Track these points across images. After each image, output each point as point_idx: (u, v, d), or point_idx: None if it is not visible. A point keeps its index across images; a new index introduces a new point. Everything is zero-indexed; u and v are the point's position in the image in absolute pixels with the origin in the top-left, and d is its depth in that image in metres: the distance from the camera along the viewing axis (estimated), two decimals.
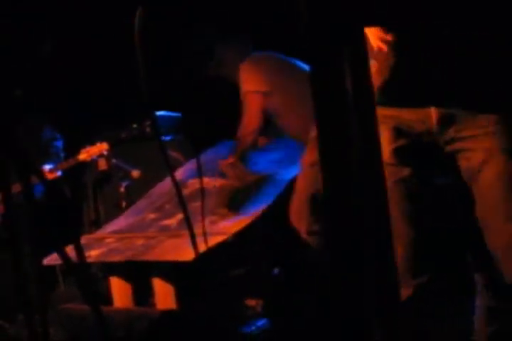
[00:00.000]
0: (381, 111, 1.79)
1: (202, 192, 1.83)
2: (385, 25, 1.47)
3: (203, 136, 3.84)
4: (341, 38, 0.86)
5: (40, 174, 1.45)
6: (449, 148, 1.78)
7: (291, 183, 3.20)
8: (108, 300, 3.24)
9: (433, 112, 1.75)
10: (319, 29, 0.86)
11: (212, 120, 4.13)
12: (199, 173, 1.89)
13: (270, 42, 3.72)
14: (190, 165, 3.72)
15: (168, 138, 4.15)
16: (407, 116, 1.78)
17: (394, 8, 0.92)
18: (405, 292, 1.81)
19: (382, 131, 1.79)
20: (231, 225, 3.12)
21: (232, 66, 3.49)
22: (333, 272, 0.92)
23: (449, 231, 1.89)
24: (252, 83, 3.40)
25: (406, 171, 1.80)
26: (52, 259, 2.90)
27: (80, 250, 1.09)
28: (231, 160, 3.43)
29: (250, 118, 3.41)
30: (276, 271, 3.47)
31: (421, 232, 1.82)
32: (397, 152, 1.80)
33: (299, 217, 3.04)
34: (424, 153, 1.81)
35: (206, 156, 3.63)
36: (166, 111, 4.09)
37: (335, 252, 0.90)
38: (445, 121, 1.74)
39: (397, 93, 1.77)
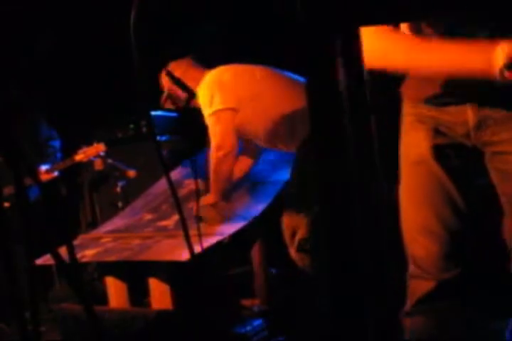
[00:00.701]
0: (421, 111, 1.80)
1: (197, 193, 1.83)
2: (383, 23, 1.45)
3: (199, 136, 3.82)
4: (336, 37, 0.86)
5: (34, 175, 1.44)
6: (486, 150, 1.76)
7: (287, 184, 3.20)
8: (103, 300, 3.24)
9: (470, 114, 1.74)
10: (314, 28, 0.86)
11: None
12: (194, 175, 1.89)
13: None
14: (187, 165, 3.72)
15: (164, 138, 4.15)
16: (447, 117, 1.77)
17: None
18: (427, 284, 1.81)
19: (421, 130, 1.80)
20: (227, 226, 3.12)
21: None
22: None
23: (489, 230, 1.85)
24: (216, 102, 3.04)
25: (443, 170, 1.79)
26: (45, 259, 2.90)
27: (71, 250, 1.09)
28: (210, 200, 3.11)
29: (222, 139, 3.01)
30: (272, 271, 3.47)
31: (456, 231, 1.80)
32: (434, 150, 1.79)
33: (291, 233, 3.03)
34: (463, 154, 1.79)
35: (203, 156, 3.63)
36: (162, 111, 4.09)
37: (334, 264, 0.90)
38: (482, 124, 1.73)
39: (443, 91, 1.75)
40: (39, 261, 2.92)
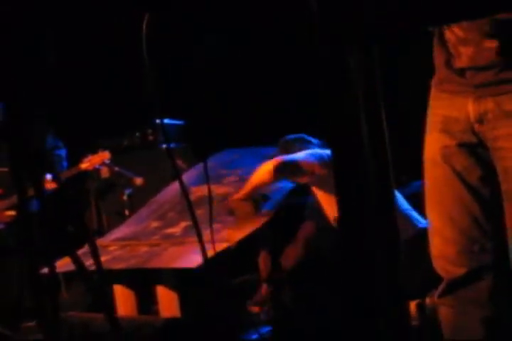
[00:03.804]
0: (435, 110, 1.82)
1: (210, 198, 1.83)
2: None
3: (206, 144, 3.82)
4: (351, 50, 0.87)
5: (41, 184, 1.45)
6: (489, 146, 1.76)
7: (295, 190, 3.21)
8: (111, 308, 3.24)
9: (470, 107, 1.75)
10: (330, 40, 0.87)
11: (215, 127, 4.13)
12: (206, 179, 1.89)
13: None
14: (193, 172, 3.72)
15: (171, 145, 4.16)
16: (454, 114, 1.78)
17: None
18: (457, 270, 1.81)
19: (434, 131, 1.82)
20: (234, 233, 3.12)
21: None
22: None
23: None
24: None
25: (453, 171, 1.80)
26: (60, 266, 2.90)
27: (96, 256, 1.09)
28: (241, 195, 3.17)
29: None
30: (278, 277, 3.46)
31: (469, 232, 1.81)
32: (445, 151, 1.80)
33: None
34: (473, 153, 1.80)
35: (209, 163, 3.62)
36: (169, 119, 4.10)
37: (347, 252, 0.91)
38: (483, 118, 1.73)
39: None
40: (44, 269, 2.91)
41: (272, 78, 4.13)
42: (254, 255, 3.48)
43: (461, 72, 1.77)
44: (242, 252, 3.24)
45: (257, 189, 3.15)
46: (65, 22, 4.27)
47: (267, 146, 3.60)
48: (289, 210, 3.43)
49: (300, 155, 3.11)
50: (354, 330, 0.99)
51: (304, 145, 3.31)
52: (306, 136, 3.38)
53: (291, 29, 2.69)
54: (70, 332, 3.20)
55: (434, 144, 1.83)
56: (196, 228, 1.51)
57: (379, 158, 0.93)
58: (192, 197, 3.52)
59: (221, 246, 2.92)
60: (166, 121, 4.00)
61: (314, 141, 3.37)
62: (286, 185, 3.36)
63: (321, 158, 3.06)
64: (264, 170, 3.07)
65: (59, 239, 1.34)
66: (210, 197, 1.99)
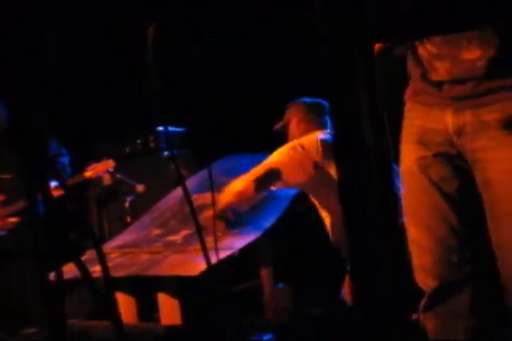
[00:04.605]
0: (411, 121, 1.83)
1: (214, 206, 1.83)
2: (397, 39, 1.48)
3: (207, 151, 3.81)
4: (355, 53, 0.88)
5: (47, 191, 1.45)
6: (468, 158, 1.77)
7: (296, 197, 3.21)
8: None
9: (449, 120, 1.75)
10: (334, 43, 0.87)
11: (216, 133, 4.13)
12: (211, 186, 1.89)
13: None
14: (194, 180, 3.72)
15: (172, 152, 4.16)
16: (430, 125, 1.79)
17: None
18: (433, 283, 1.81)
19: (410, 142, 1.83)
20: (236, 240, 3.12)
21: None
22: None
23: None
24: None
25: (430, 182, 1.80)
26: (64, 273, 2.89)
27: (103, 262, 1.10)
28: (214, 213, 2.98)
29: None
30: (280, 285, 3.46)
31: (446, 242, 1.81)
32: (421, 162, 1.80)
33: None
34: (451, 164, 1.80)
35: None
36: (170, 126, 4.10)
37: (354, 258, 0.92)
38: (461, 130, 1.74)
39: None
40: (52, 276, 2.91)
41: (272, 79, 4.13)
42: (256, 262, 3.47)
43: (439, 84, 1.77)
44: (244, 259, 3.24)
45: (228, 207, 3.13)
46: (65, 22, 4.28)
47: (266, 153, 3.60)
48: (292, 217, 3.43)
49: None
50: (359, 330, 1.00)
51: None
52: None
53: (292, 29, 2.70)
54: (71, 339, 3.19)
55: (410, 155, 1.84)
56: (199, 235, 1.51)
57: (381, 158, 0.94)
58: (193, 205, 3.52)
59: (223, 254, 2.92)
60: (168, 128, 4.00)
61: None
62: (288, 193, 3.37)
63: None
64: (231, 190, 3.06)
65: (63, 245, 1.35)
66: (214, 205, 1.99)
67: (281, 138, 3.35)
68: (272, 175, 3.03)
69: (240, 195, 3.05)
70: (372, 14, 0.94)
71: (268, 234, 3.18)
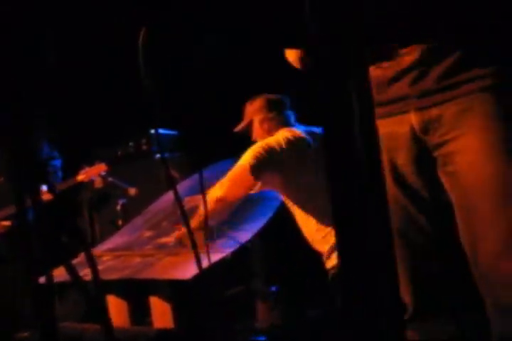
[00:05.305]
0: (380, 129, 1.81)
1: (205, 209, 1.83)
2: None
3: (200, 154, 3.80)
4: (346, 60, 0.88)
5: (37, 195, 1.44)
6: (436, 156, 1.74)
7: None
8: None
9: (414, 119, 1.74)
10: (327, 50, 0.87)
11: (210, 138, 4.12)
12: (201, 189, 1.89)
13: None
14: (188, 183, 3.71)
15: (163, 155, 4.15)
16: (395, 128, 1.77)
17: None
18: (407, 299, 1.81)
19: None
20: (228, 243, 3.11)
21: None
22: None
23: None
24: None
25: (401, 191, 1.79)
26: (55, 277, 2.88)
27: (93, 265, 1.09)
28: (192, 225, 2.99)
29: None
30: (273, 288, 3.46)
31: (422, 250, 1.81)
32: (392, 172, 1.79)
33: None
34: (421, 170, 1.79)
35: (205, 174, 3.61)
36: (162, 129, 4.10)
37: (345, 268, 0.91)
38: (428, 127, 1.73)
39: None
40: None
41: (272, 79, 4.12)
42: (248, 266, 3.47)
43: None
44: (236, 263, 3.24)
45: (207, 218, 3.05)
46: (65, 22, 4.26)
47: None
48: (283, 219, 3.42)
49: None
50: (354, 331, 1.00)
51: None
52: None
53: (291, 29, 2.70)
54: None
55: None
56: (191, 238, 1.50)
57: (372, 159, 0.93)
58: (185, 207, 3.51)
59: (215, 257, 2.91)
60: (160, 131, 3.99)
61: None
62: (274, 202, 3.35)
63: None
64: (211, 198, 3.04)
65: (53, 249, 1.34)
66: (206, 208, 1.99)
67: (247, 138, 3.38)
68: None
69: (221, 201, 3.06)
70: (373, 13, 0.94)
71: (260, 237, 3.18)
